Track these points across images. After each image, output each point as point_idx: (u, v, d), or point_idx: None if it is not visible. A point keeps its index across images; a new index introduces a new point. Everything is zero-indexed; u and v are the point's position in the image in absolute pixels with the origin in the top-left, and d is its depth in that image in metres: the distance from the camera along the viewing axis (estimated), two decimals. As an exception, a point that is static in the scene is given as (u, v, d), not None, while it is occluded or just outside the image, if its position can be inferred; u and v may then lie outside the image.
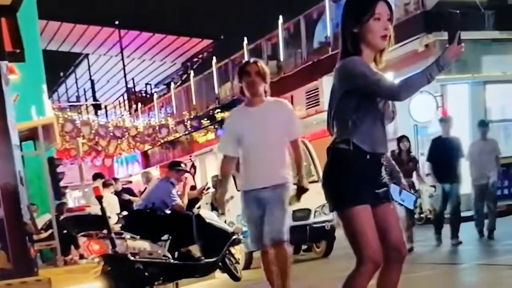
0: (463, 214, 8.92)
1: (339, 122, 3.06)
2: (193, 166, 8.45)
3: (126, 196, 11.37)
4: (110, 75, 30.68)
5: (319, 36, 16.41)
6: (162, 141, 20.99)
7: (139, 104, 27.00)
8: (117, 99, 33.12)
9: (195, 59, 28.16)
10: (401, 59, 11.49)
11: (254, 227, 4.61)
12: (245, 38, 18.16)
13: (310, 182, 8.62)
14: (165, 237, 6.91)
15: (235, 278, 7.49)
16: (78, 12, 23.31)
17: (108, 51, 28.06)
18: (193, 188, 8.88)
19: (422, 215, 11.93)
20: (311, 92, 15.55)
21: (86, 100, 32.31)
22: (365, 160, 2.99)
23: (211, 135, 19.31)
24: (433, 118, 12.54)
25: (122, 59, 27.33)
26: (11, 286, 5.56)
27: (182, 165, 7.97)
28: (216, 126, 18.40)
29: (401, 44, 11.63)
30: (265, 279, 4.79)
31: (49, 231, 8.77)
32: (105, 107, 31.56)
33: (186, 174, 7.91)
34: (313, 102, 15.43)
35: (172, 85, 25.30)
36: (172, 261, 6.86)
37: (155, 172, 20.78)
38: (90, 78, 30.54)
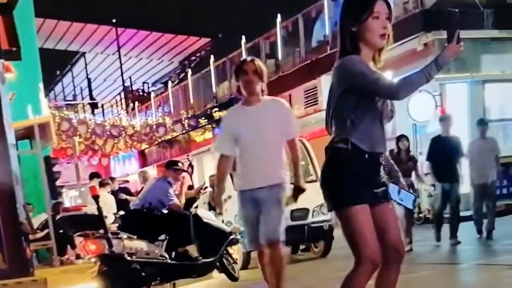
0: (462, 214, 8.90)
1: (337, 121, 3.04)
2: (191, 165, 8.41)
3: (123, 196, 11.34)
4: (107, 74, 30.64)
5: (318, 34, 16.38)
6: (159, 140, 20.96)
7: (136, 103, 26.97)
8: (114, 97, 33.08)
9: (193, 58, 28.14)
10: (400, 58, 11.47)
11: (251, 227, 4.57)
12: (243, 37, 18.13)
13: (308, 182, 8.63)
14: (162, 237, 6.89)
15: (232, 278, 7.46)
16: (75, 10, 23.27)
17: (105, 50, 28.02)
18: (190, 187, 8.85)
19: (420, 215, 11.91)
20: (309, 91, 15.52)
21: (82, 98, 32.27)
22: (364, 160, 2.98)
23: (208, 134, 19.28)
24: (432, 117, 12.53)
25: (119, 57, 27.29)
26: (6, 287, 5.51)
27: (180, 164, 7.94)
28: (213, 125, 18.38)
29: (400, 43, 11.60)
30: (262, 279, 4.77)
31: (45, 231, 8.71)
32: (102, 105, 31.52)
33: (184, 174, 7.88)
34: (312, 101, 15.40)
35: (170, 83, 25.27)
36: (169, 261, 6.84)
37: (152, 171, 20.75)
38: (87, 77, 30.50)
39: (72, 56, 30.00)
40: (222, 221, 7.94)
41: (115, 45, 26.63)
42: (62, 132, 17.24)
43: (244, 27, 18.63)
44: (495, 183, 9.16)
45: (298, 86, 15.86)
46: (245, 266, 8.60)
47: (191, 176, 8.46)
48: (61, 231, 8.08)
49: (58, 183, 11.25)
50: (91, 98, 30.70)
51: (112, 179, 12.42)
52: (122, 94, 30.29)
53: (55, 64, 28.78)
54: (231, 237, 7.32)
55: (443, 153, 8.47)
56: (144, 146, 21.47)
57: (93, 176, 11.20)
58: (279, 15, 16.92)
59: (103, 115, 27.57)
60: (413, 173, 8.56)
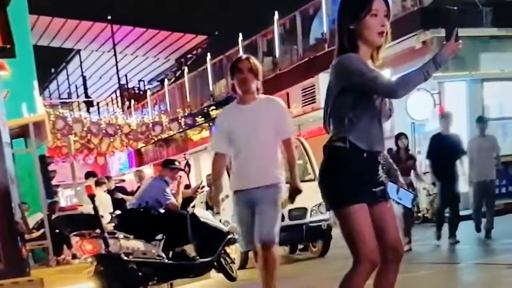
0: (461, 213, 8.87)
1: (335, 120, 3.03)
2: (188, 164, 8.37)
3: (119, 195, 11.30)
4: (103, 71, 30.57)
5: (315, 32, 16.36)
6: (155, 139, 20.90)
7: (132, 101, 26.92)
8: (109, 96, 33.03)
9: (189, 56, 28.08)
10: (398, 56, 11.45)
11: (246, 228, 4.51)
12: (240, 34, 18.09)
13: (307, 181, 8.66)
14: (159, 236, 6.86)
15: (230, 278, 7.44)
16: (70, 7, 23.14)
17: (100, 47, 27.94)
18: (187, 186, 8.81)
19: (419, 214, 11.89)
20: (307, 89, 15.50)
21: (78, 96, 32.19)
22: (362, 159, 2.97)
23: (205, 133, 19.24)
24: (430, 116, 12.52)
25: (115, 55, 27.21)
26: (2, 287, 5.48)
27: (176, 163, 7.90)
28: (210, 124, 18.33)
29: (398, 41, 11.59)
30: (260, 279, 4.72)
31: (41, 231, 8.69)
32: (97, 104, 31.45)
33: (181, 173, 7.84)
34: (309, 99, 15.38)
35: (166, 81, 25.22)
36: (166, 261, 6.81)
37: (149, 170, 20.71)
38: (82, 75, 30.42)
39: (67, 54, 29.91)
40: (220, 221, 7.92)
41: (111, 42, 26.54)
42: (57, 130, 17.15)
43: (241, 25, 18.56)
44: (495, 182, 9.13)
45: (295, 84, 15.84)
46: (243, 266, 8.57)
47: (188, 175, 8.41)
48: (57, 230, 8.05)
49: (53, 182, 11.18)
50: (86, 96, 30.61)
51: (108, 178, 12.38)
52: (118, 92, 30.24)
53: (50, 62, 28.65)
54: (229, 236, 7.29)
55: (443, 151, 8.40)
56: (140, 144, 21.40)
57: (89, 175, 11.15)
58: (276, 13, 16.89)
59: (99, 113, 27.51)
60: (412, 172, 8.52)
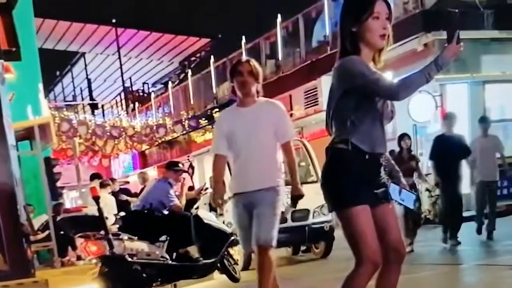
0: (463, 214, 8.87)
1: (337, 122, 3.05)
2: (191, 166, 8.40)
3: (124, 197, 11.34)
4: (107, 74, 30.62)
5: (318, 35, 16.37)
6: (159, 141, 20.93)
7: (137, 104, 26.95)
8: (114, 98, 33.04)
9: (193, 58, 28.12)
10: (400, 58, 11.47)
11: (245, 232, 4.45)
12: (243, 37, 18.11)
13: (309, 182, 8.68)
14: (163, 238, 6.88)
15: (233, 279, 7.45)
16: (75, 10, 23.23)
17: (105, 50, 27.99)
18: (191, 188, 8.84)
19: (422, 216, 11.87)
20: (309, 92, 15.51)
21: (82, 99, 32.24)
22: (364, 160, 2.98)
23: (209, 135, 19.25)
24: (432, 118, 12.53)
25: (119, 57, 27.26)
26: (7, 288, 5.52)
27: (180, 165, 7.93)
28: (214, 126, 18.33)
29: (400, 43, 11.60)
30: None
31: (46, 232, 8.70)
32: (102, 106, 31.49)
33: (184, 175, 7.87)
34: (312, 101, 15.39)
35: (170, 84, 25.25)
36: (170, 262, 6.83)
37: (153, 172, 20.74)
38: (87, 77, 30.47)
39: (72, 57, 29.97)
40: (223, 222, 7.94)
41: (115, 45, 26.60)
42: (62, 133, 17.20)
43: (244, 28, 18.61)
44: (497, 183, 9.12)
45: (298, 86, 15.85)
46: (246, 267, 8.59)
47: (191, 177, 8.45)
48: (62, 232, 8.06)
49: (58, 184, 11.23)
50: (91, 98, 30.67)
51: (113, 180, 12.42)
52: (122, 95, 30.26)
53: (55, 65, 28.74)
54: (232, 238, 7.29)
55: (447, 151, 8.35)
56: (144, 147, 21.45)
57: (94, 177, 11.19)
58: (279, 15, 16.90)
59: (103, 115, 27.53)
60: (415, 173, 8.51)
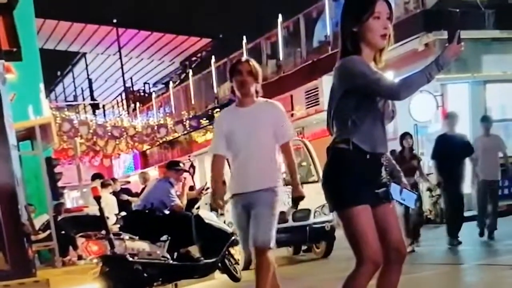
0: (464, 214, 8.86)
1: (338, 122, 3.05)
2: (192, 166, 8.41)
3: (125, 197, 11.34)
4: (108, 74, 30.64)
5: (319, 35, 16.38)
6: (160, 141, 20.94)
7: (137, 104, 26.96)
8: (115, 98, 33.05)
9: (194, 58, 28.12)
10: (401, 58, 11.47)
11: (244, 232, 4.41)
12: (244, 37, 18.11)
13: (310, 182, 8.68)
14: (164, 237, 6.88)
15: (234, 278, 7.46)
16: (76, 11, 23.23)
17: (106, 50, 28.00)
18: (191, 188, 8.84)
19: (423, 215, 11.86)
20: (310, 92, 15.51)
21: (83, 99, 32.26)
22: (365, 160, 2.98)
23: (210, 135, 19.25)
24: (433, 118, 12.53)
25: (120, 58, 27.27)
26: (9, 287, 5.53)
27: (181, 164, 7.94)
28: (213, 126, 18.32)
29: (401, 43, 11.60)
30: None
31: (47, 232, 8.72)
32: (103, 106, 31.48)
33: (185, 174, 7.88)
34: (313, 101, 15.39)
35: (171, 84, 25.26)
36: (171, 261, 6.84)
37: (154, 172, 20.76)
38: (88, 77, 30.49)
39: (73, 57, 29.99)
40: (224, 222, 7.94)
41: (116, 45, 26.61)
42: (63, 133, 17.21)
43: (245, 28, 18.59)
44: (499, 182, 9.10)
45: (299, 86, 15.85)
46: (247, 267, 8.58)
47: (192, 176, 8.45)
48: (63, 232, 8.07)
49: (59, 184, 11.24)
50: (92, 99, 30.67)
51: (114, 180, 12.43)
52: (123, 95, 30.28)
53: (56, 65, 28.73)
54: (233, 237, 7.30)
55: (449, 151, 8.33)
56: (145, 147, 21.46)
57: (95, 177, 11.21)
58: (280, 15, 16.90)
59: (104, 116, 27.51)
60: (416, 172, 8.50)
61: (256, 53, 17.10)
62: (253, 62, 4.46)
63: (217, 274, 7.78)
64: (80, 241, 7.05)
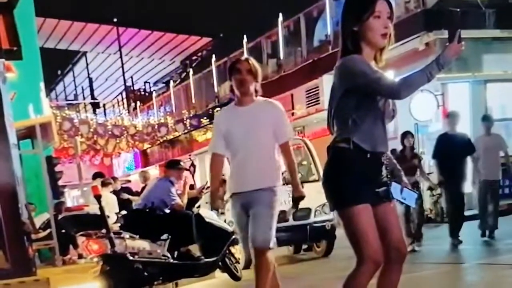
0: (465, 213, 8.85)
1: (339, 121, 3.06)
2: (193, 165, 8.41)
3: (125, 195, 11.33)
4: (109, 73, 30.64)
5: (319, 34, 16.38)
6: (161, 140, 20.95)
7: (138, 103, 26.96)
8: (115, 97, 33.07)
9: (194, 57, 28.12)
10: (401, 57, 11.46)
11: (243, 232, 4.39)
12: (245, 36, 18.11)
13: (311, 181, 8.68)
14: (164, 236, 6.89)
15: (235, 277, 7.46)
16: (76, 10, 23.23)
17: (106, 49, 28.01)
18: (192, 187, 8.85)
19: (424, 214, 11.85)
20: (311, 91, 15.51)
21: (84, 98, 32.27)
22: (366, 159, 2.99)
23: (210, 134, 19.20)
24: (433, 117, 12.53)
25: (121, 57, 27.27)
26: (9, 286, 5.52)
27: (182, 163, 7.95)
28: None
29: (401, 42, 11.60)
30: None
31: (48, 231, 8.73)
32: (104, 105, 31.51)
33: (186, 173, 7.88)
34: (313, 100, 15.40)
35: (171, 83, 25.26)
36: (171, 260, 6.84)
37: (154, 171, 20.76)
38: (88, 76, 30.49)
39: (73, 56, 29.99)
40: (225, 221, 7.94)
41: (116, 44, 26.61)
42: (63, 131, 17.22)
43: (246, 27, 18.58)
44: (500, 182, 9.09)
45: (300, 85, 15.85)
46: (247, 266, 8.58)
47: (193, 175, 8.46)
48: (63, 230, 8.08)
49: (60, 182, 11.23)
50: (93, 97, 30.68)
51: (114, 178, 12.43)
52: (124, 94, 30.29)
53: (56, 64, 28.74)
54: (234, 236, 7.30)
55: (450, 150, 8.32)
56: (146, 146, 21.47)
57: (96, 176, 11.21)
58: (280, 15, 16.90)
59: (105, 114, 27.58)
60: (418, 171, 8.49)
61: (256, 52, 17.10)
62: (252, 60, 4.42)
63: (218, 273, 7.79)
64: (81, 240, 7.06)
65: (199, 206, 7.62)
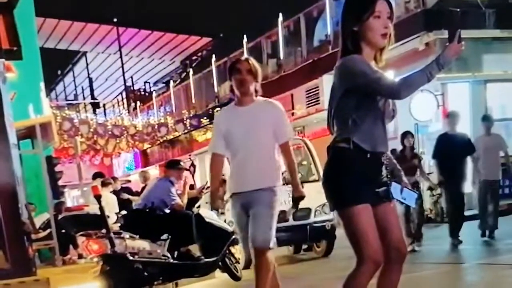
0: (465, 213, 8.85)
1: (339, 121, 3.06)
2: (193, 165, 8.41)
3: (125, 195, 11.33)
4: (109, 73, 30.64)
5: (319, 34, 16.38)
6: (161, 140, 20.96)
7: (138, 103, 26.97)
8: (115, 97, 33.07)
9: (194, 57, 28.11)
10: (401, 57, 11.46)
11: (243, 232, 4.38)
12: (245, 36, 18.11)
13: (311, 181, 8.67)
14: (164, 236, 6.89)
15: (235, 277, 7.46)
16: (76, 10, 23.23)
17: (106, 49, 28.00)
18: (192, 187, 8.85)
19: (424, 214, 11.84)
20: (311, 91, 15.51)
21: (84, 98, 32.26)
22: (366, 159, 2.99)
23: (210, 134, 19.21)
24: (433, 117, 12.53)
25: (121, 57, 27.27)
26: (9, 286, 5.53)
27: (182, 163, 7.95)
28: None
29: (401, 42, 11.60)
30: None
31: (48, 231, 8.73)
32: (104, 105, 31.51)
33: (186, 173, 7.88)
34: (313, 100, 15.40)
35: (171, 83, 25.27)
36: (171, 260, 6.84)
37: (154, 171, 20.76)
38: (88, 76, 30.49)
39: (73, 56, 29.99)
40: (225, 221, 7.95)
41: (116, 44, 26.60)
42: (63, 131, 17.22)
43: (246, 27, 18.59)
44: (500, 182, 9.08)
45: (299, 85, 15.85)
46: (247, 266, 8.58)
47: (193, 175, 8.45)
48: (63, 230, 8.08)
49: (60, 182, 11.23)
50: (93, 97, 30.68)
51: (114, 178, 12.43)
52: (124, 94, 30.29)
53: (56, 64, 28.74)
54: (234, 236, 7.30)
55: (450, 150, 8.32)
56: (146, 146, 21.47)
57: (96, 176, 11.21)
58: (280, 15, 16.90)
59: (105, 114, 27.57)
60: (418, 171, 8.49)
61: (256, 52, 17.10)
62: (252, 60, 4.41)
63: (218, 273, 7.79)
64: (81, 240, 7.06)
65: (199, 206, 7.62)
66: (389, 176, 3.16)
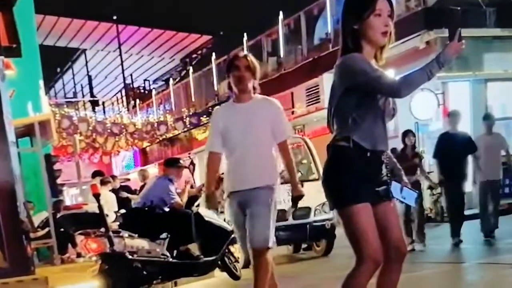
0: (465, 212, 8.83)
1: (339, 120, 3.04)
2: (192, 163, 8.39)
3: (124, 194, 11.31)
4: (108, 71, 30.63)
5: (320, 32, 16.37)
6: (160, 138, 20.95)
7: (137, 101, 26.96)
8: (115, 95, 33.05)
9: (194, 55, 28.10)
10: (401, 56, 11.44)
11: (241, 231, 4.31)
12: (245, 34, 18.10)
13: (310, 180, 8.65)
14: (163, 235, 6.88)
15: (234, 277, 7.45)
16: (76, 7, 23.23)
17: (106, 47, 27.99)
18: (191, 186, 8.83)
19: (424, 213, 11.82)
20: (311, 89, 15.50)
21: (83, 96, 32.25)
22: (366, 158, 2.98)
23: (210, 132, 19.20)
24: (434, 116, 12.51)
25: (120, 54, 27.25)
26: (7, 285, 5.52)
27: (181, 161, 7.93)
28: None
29: (402, 41, 11.59)
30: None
31: (46, 229, 8.71)
32: (103, 103, 31.49)
33: (186, 172, 7.86)
34: (314, 99, 15.39)
35: (171, 81, 25.26)
36: (170, 259, 6.84)
37: (154, 169, 20.76)
38: (88, 74, 30.48)
39: (72, 53, 29.98)
40: (224, 220, 7.93)
41: (116, 42, 26.58)
42: (62, 129, 17.20)
43: (246, 25, 18.58)
44: (500, 181, 9.06)
45: (300, 84, 15.84)
46: (246, 265, 8.56)
47: (192, 174, 8.44)
48: (62, 229, 8.07)
49: (58, 181, 11.23)
50: (92, 95, 30.67)
51: (113, 177, 12.41)
52: (123, 92, 30.27)
53: (56, 61, 28.73)
54: (233, 235, 7.27)
55: (451, 149, 8.30)
56: (145, 144, 21.46)
57: (96, 174, 11.19)
58: (281, 13, 16.89)
59: (104, 112, 27.48)
60: (418, 170, 8.46)
61: (256, 50, 17.07)
62: (251, 57, 4.35)
63: (217, 272, 7.77)
64: (79, 238, 7.07)
65: (198, 205, 7.60)
66: (389, 175, 3.15)
